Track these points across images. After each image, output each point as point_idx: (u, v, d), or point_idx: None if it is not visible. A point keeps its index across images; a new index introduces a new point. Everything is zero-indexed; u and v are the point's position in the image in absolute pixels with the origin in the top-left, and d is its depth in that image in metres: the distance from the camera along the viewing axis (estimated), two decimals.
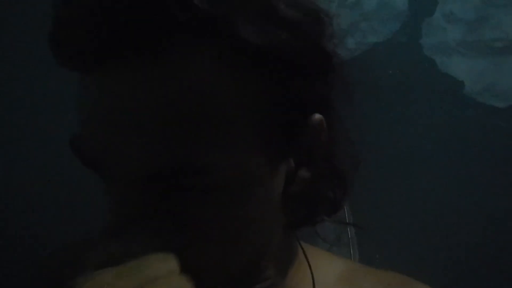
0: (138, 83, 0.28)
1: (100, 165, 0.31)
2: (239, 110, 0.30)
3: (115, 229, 0.30)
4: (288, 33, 0.30)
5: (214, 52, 0.29)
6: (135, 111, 0.28)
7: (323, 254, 0.49)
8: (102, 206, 0.32)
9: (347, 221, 1.16)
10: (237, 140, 0.31)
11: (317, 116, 0.35)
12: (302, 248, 0.46)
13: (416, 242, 1.49)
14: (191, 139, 0.29)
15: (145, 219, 0.30)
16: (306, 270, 0.46)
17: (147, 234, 0.30)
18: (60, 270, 0.28)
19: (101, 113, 0.30)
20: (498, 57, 1.55)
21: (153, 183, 0.30)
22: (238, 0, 0.28)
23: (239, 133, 0.31)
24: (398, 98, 1.55)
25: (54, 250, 0.30)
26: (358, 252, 1.13)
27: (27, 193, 1.33)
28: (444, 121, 1.54)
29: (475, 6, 1.59)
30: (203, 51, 0.29)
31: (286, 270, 0.44)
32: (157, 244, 0.30)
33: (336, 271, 0.49)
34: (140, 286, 0.27)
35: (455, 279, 1.42)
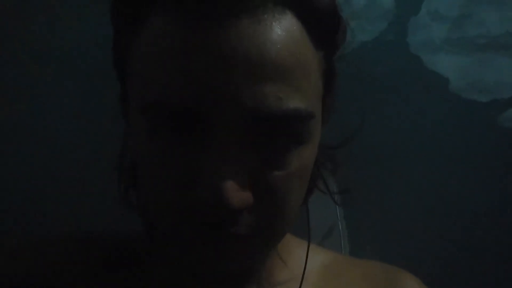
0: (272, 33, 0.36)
1: (210, 110, 0.35)
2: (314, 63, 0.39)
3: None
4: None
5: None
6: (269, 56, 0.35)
7: (306, 245, 0.49)
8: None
9: (338, 217, 1.19)
10: (316, 87, 0.39)
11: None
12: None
13: (407, 235, 1.50)
14: (293, 82, 0.36)
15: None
16: (281, 260, 0.48)
17: None
18: None
19: (232, 59, 0.34)
20: (481, 53, 1.57)
21: (260, 129, 0.35)
22: None
23: (315, 81, 0.39)
24: (386, 94, 1.57)
25: None
26: (349, 245, 1.15)
27: (27, 193, 1.34)
28: (430, 116, 1.57)
29: (459, 4, 1.61)
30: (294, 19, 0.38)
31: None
32: None
33: (320, 262, 0.50)
34: None
35: (446, 272, 1.44)
